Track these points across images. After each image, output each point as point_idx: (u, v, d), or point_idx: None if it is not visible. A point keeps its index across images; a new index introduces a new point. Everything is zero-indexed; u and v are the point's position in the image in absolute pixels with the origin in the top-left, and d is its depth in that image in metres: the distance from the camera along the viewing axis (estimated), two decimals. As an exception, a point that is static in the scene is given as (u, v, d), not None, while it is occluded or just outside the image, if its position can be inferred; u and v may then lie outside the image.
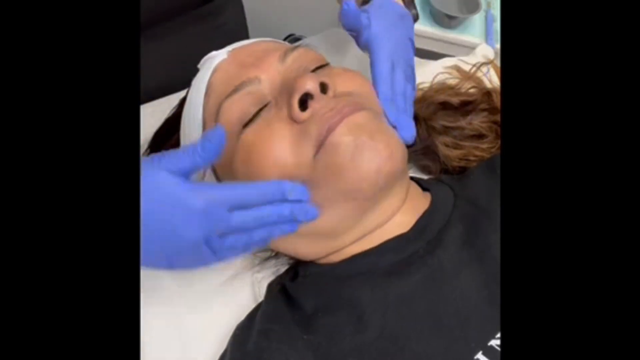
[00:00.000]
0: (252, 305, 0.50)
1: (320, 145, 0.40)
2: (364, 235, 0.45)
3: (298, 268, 0.49)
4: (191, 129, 0.49)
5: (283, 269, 0.53)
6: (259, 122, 0.43)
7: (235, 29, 0.80)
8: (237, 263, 0.54)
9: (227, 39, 0.52)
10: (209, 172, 0.49)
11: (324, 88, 0.42)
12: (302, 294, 0.46)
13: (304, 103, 0.42)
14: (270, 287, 0.50)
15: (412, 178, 0.51)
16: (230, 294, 0.52)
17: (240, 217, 0.37)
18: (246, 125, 0.43)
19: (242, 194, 0.37)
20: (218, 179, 0.49)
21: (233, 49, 0.50)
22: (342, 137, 0.40)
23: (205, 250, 0.38)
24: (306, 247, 0.47)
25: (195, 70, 0.53)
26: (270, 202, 0.38)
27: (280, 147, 0.41)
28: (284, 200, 0.38)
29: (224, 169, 0.47)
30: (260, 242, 0.39)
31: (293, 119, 0.42)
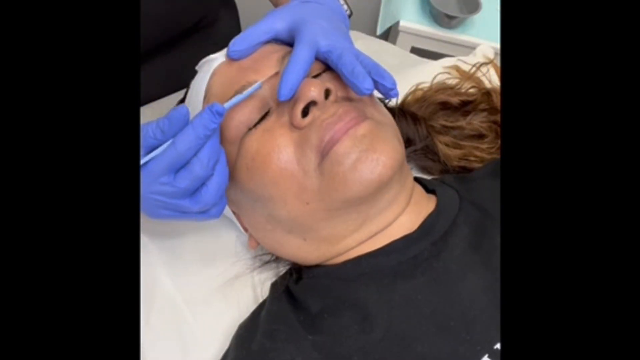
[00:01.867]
0: (254, 307, 0.49)
1: (323, 155, 0.40)
2: (368, 238, 0.45)
3: (302, 270, 0.49)
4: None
5: (284, 270, 0.53)
6: (260, 128, 0.43)
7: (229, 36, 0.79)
8: (238, 265, 0.54)
9: (221, 46, 0.51)
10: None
11: (326, 94, 0.42)
12: (307, 295, 0.46)
13: (305, 109, 0.42)
14: (274, 286, 0.50)
15: (415, 179, 0.51)
16: (231, 296, 0.52)
17: (184, 176, 0.40)
18: (249, 130, 0.43)
19: (171, 155, 0.39)
20: None
21: None
22: (347, 149, 0.40)
23: (178, 214, 0.43)
24: (308, 252, 0.46)
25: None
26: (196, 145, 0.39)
27: (284, 155, 0.41)
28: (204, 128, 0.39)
29: None
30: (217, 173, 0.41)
31: (294, 125, 0.42)
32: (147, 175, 0.39)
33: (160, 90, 0.72)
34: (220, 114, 0.39)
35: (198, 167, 0.39)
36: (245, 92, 0.42)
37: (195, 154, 0.39)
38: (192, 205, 0.41)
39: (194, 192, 0.41)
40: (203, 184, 0.41)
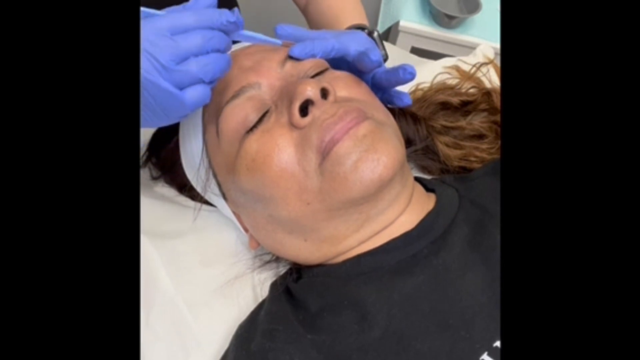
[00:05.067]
0: (254, 307, 0.49)
1: (324, 155, 0.40)
2: (369, 238, 0.45)
3: (302, 269, 0.49)
4: (190, 132, 0.49)
5: (284, 270, 0.53)
6: (260, 128, 0.43)
7: None
8: (238, 265, 0.54)
9: None
10: (211, 178, 0.49)
11: (324, 94, 0.42)
12: (307, 294, 0.46)
13: (304, 109, 0.42)
14: (273, 286, 0.50)
15: (415, 178, 0.51)
16: (231, 296, 0.52)
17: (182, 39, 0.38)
18: (248, 132, 0.43)
19: (180, 16, 0.38)
20: (219, 184, 0.49)
21: (232, 52, 0.49)
22: (348, 149, 0.40)
23: (167, 87, 0.39)
24: (309, 253, 0.46)
25: None
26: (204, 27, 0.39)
27: (285, 156, 0.41)
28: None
29: (225, 175, 0.47)
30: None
31: (293, 125, 0.42)
32: (149, 28, 0.38)
33: None
34: (235, 23, 0.39)
35: (199, 36, 0.38)
36: (267, 38, 0.44)
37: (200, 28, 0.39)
38: (174, 66, 0.38)
39: (182, 60, 0.39)
40: (195, 56, 0.40)
